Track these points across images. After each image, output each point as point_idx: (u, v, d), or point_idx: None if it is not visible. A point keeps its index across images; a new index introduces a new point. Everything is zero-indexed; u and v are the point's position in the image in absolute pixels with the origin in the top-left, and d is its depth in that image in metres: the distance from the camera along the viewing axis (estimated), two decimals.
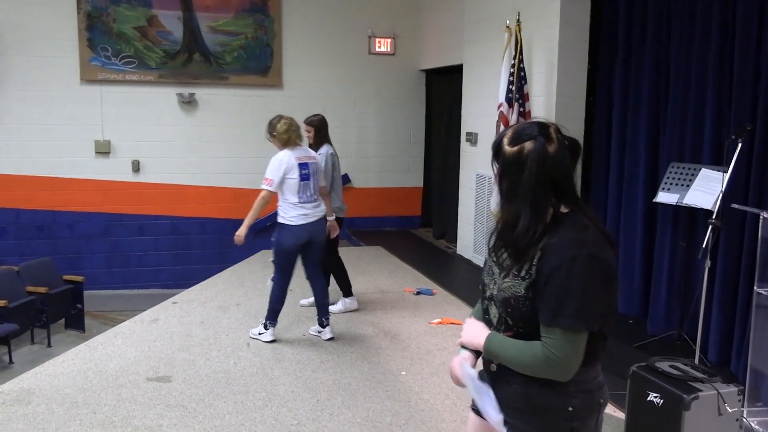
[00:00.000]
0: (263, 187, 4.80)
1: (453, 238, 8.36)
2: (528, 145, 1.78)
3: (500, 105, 5.99)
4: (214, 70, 8.49)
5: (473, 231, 7.60)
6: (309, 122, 5.54)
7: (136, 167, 8.38)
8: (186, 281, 8.11)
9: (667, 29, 5.11)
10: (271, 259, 5.01)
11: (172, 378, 4.34)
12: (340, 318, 5.53)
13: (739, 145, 4.02)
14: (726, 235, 4.43)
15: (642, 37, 5.34)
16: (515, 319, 1.82)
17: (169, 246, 8.57)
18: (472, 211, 7.58)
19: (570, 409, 1.81)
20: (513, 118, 5.84)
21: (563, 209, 1.83)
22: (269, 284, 5.11)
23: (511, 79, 5.84)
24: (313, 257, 5.00)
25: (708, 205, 4.44)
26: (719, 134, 4.66)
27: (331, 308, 5.60)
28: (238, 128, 8.61)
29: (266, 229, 8.78)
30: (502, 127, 5.94)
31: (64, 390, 4.12)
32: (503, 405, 1.90)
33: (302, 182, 4.80)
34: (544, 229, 1.77)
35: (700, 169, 4.63)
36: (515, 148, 1.79)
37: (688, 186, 4.65)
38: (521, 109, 5.84)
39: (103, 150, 8.24)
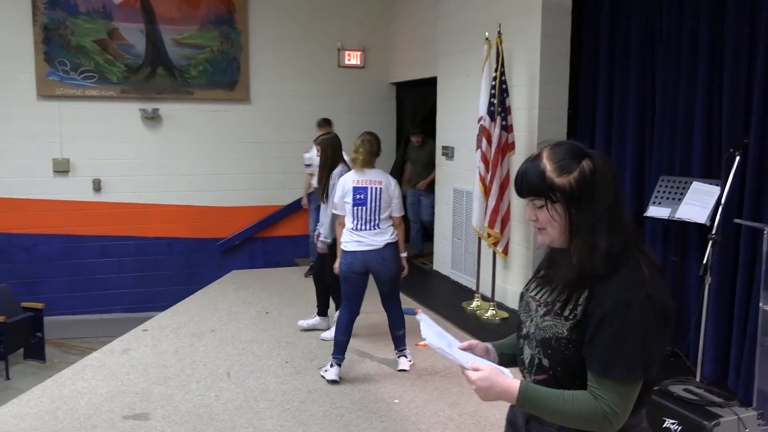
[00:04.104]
0: (332, 212, 4.75)
1: (428, 253, 8.20)
2: (586, 163, 1.60)
3: (481, 118, 5.85)
4: (178, 84, 8.17)
5: (450, 246, 7.44)
6: (318, 143, 5.34)
7: (98, 186, 8.00)
8: (152, 304, 7.78)
9: (652, 39, 5.04)
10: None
11: (150, 415, 4.04)
12: (322, 342, 5.30)
13: (737, 158, 3.94)
14: (720, 249, 4.35)
15: (626, 48, 5.26)
16: (554, 362, 1.62)
17: (133, 268, 8.18)
18: (450, 227, 7.43)
19: None
20: (495, 132, 5.71)
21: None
22: (336, 313, 4.88)
23: (493, 92, 5.72)
24: (382, 289, 4.68)
25: (702, 219, 4.36)
26: (709, 146, 4.59)
27: (324, 335, 5.42)
28: (205, 144, 8.31)
29: (234, 248, 8.52)
30: (483, 141, 5.81)
31: None
32: None
33: (355, 207, 4.52)
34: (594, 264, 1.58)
35: (692, 183, 4.56)
36: (575, 174, 1.59)
37: (679, 200, 4.57)
38: (503, 123, 5.71)
39: (62, 169, 7.85)
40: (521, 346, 1.76)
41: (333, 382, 4.50)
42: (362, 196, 4.50)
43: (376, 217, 4.53)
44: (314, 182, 7.03)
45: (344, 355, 4.58)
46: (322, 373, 4.63)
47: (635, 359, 1.52)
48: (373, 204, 4.52)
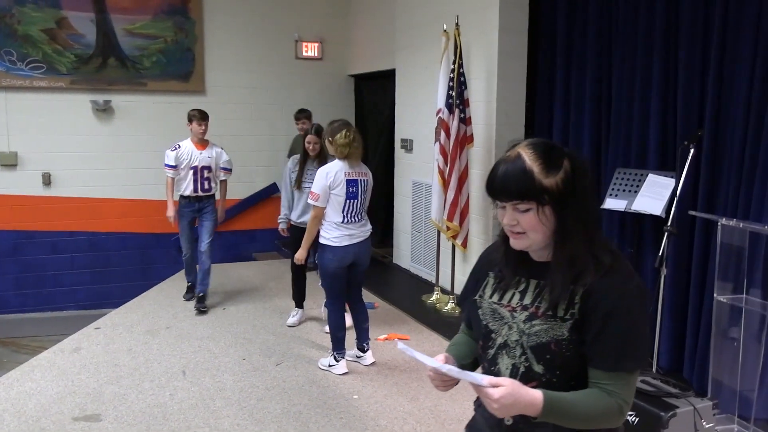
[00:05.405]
0: (310, 202, 4.44)
1: (388, 246, 8.16)
2: (566, 162, 1.56)
3: (439, 111, 5.83)
4: (131, 75, 7.95)
5: (410, 239, 7.42)
6: (317, 131, 5.25)
7: (47, 180, 7.74)
8: (106, 301, 7.59)
9: (608, 33, 5.07)
10: (320, 284, 4.67)
11: (101, 416, 3.92)
12: (281, 338, 5.22)
13: (692, 150, 3.98)
14: (675, 241, 4.40)
15: (583, 42, 5.29)
16: (552, 367, 1.55)
17: (86, 264, 7.96)
18: (409, 220, 7.40)
19: None
20: (453, 124, 5.70)
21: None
22: (323, 311, 4.79)
23: (451, 84, 5.69)
24: (357, 280, 4.63)
25: (657, 211, 4.41)
26: (664, 139, 4.65)
27: (289, 321, 5.45)
28: (160, 137, 8.07)
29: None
30: (442, 134, 5.79)
31: None
32: None
33: (348, 200, 4.40)
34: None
35: (647, 175, 4.60)
36: (561, 174, 1.54)
37: (635, 192, 4.61)
38: (462, 115, 5.70)
39: (9, 162, 7.57)
40: (492, 357, 1.66)
41: (346, 373, 4.57)
42: (354, 189, 4.43)
43: (362, 209, 4.53)
44: (183, 189, 6.05)
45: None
46: (328, 369, 4.60)
47: (642, 349, 1.54)
48: (363, 196, 4.50)
